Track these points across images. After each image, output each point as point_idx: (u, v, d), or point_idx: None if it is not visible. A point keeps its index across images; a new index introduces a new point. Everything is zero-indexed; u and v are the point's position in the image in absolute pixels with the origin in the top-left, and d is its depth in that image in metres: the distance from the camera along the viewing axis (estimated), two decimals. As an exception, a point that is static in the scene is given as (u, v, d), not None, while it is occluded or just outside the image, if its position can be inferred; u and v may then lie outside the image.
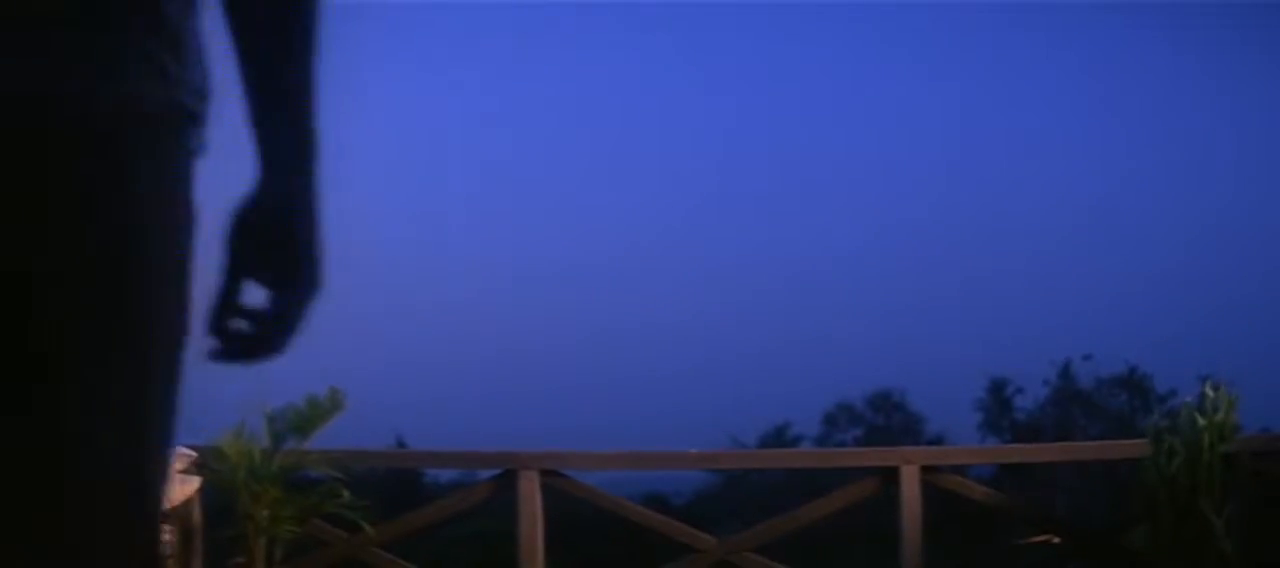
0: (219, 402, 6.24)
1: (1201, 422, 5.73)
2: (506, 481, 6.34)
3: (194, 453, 5.91)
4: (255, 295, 1.23)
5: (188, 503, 5.91)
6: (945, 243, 38.89)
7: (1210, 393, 5.83)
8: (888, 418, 30.35)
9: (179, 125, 1.11)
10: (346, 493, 5.93)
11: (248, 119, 1.22)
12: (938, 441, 28.93)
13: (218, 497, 6.08)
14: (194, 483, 5.88)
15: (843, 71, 40.18)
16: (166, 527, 5.72)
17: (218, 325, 1.22)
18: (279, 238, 1.22)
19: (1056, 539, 6.67)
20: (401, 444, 10.96)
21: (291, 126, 1.23)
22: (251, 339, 1.24)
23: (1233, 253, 34.20)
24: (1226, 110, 33.12)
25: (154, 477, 1.15)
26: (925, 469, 6.32)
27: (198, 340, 1.18)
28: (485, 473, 6.89)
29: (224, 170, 1.18)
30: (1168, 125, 37.87)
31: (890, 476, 6.35)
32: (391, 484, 10.50)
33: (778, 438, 27.25)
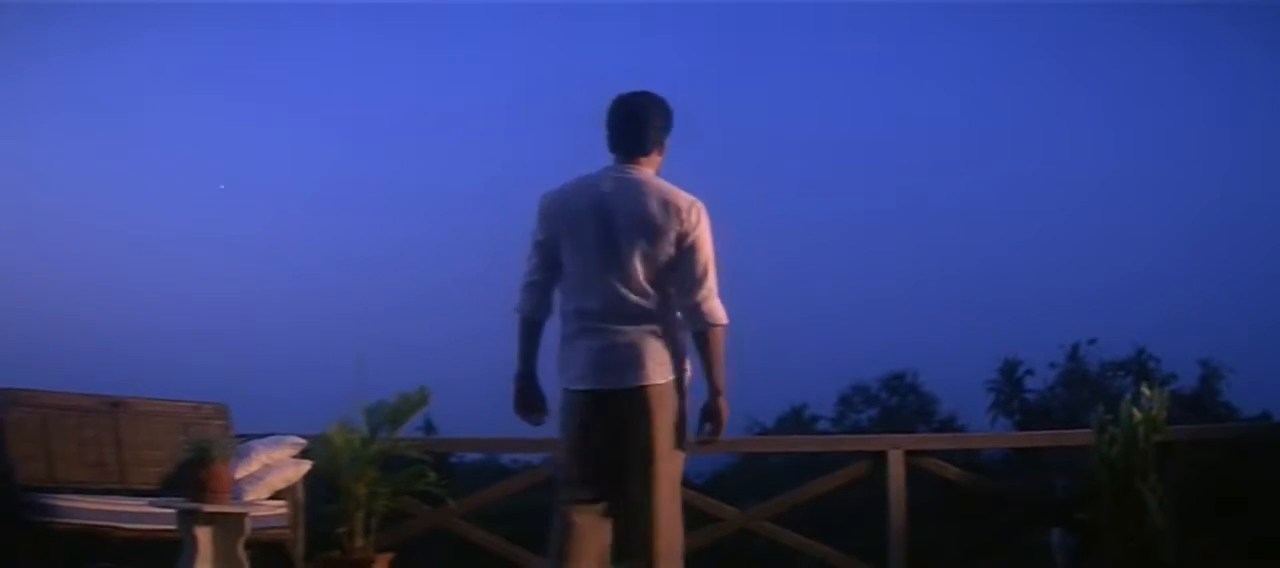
0: (326, 398, 7.38)
1: (1138, 415, 6.61)
2: None
3: (305, 441, 6.89)
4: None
5: (297, 483, 6.84)
6: (959, 225, 39.62)
7: (1146, 392, 6.72)
8: (901, 399, 30.99)
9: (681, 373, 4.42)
10: (433, 474, 6.91)
11: (703, 377, 4.43)
12: (950, 420, 29.62)
13: (324, 477, 6.90)
14: (304, 466, 6.82)
15: (855, 65, 40.86)
16: (283, 502, 6.71)
17: (699, 433, 4.43)
18: (714, 410, 4.42)
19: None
20: (430, 430, 11.74)
21: (716, 382, 4.40)
22: (706, 439, 4.44)
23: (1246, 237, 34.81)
24: (1224, 100, 33.77)
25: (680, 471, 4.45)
26: (909, 453, 7.29)
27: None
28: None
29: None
30: (1169, 115, 38.50)
31: (879, 458, 7.30)
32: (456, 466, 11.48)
33: (795, 418, 27.92)
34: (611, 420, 4.35)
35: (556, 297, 4.52)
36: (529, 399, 4.55)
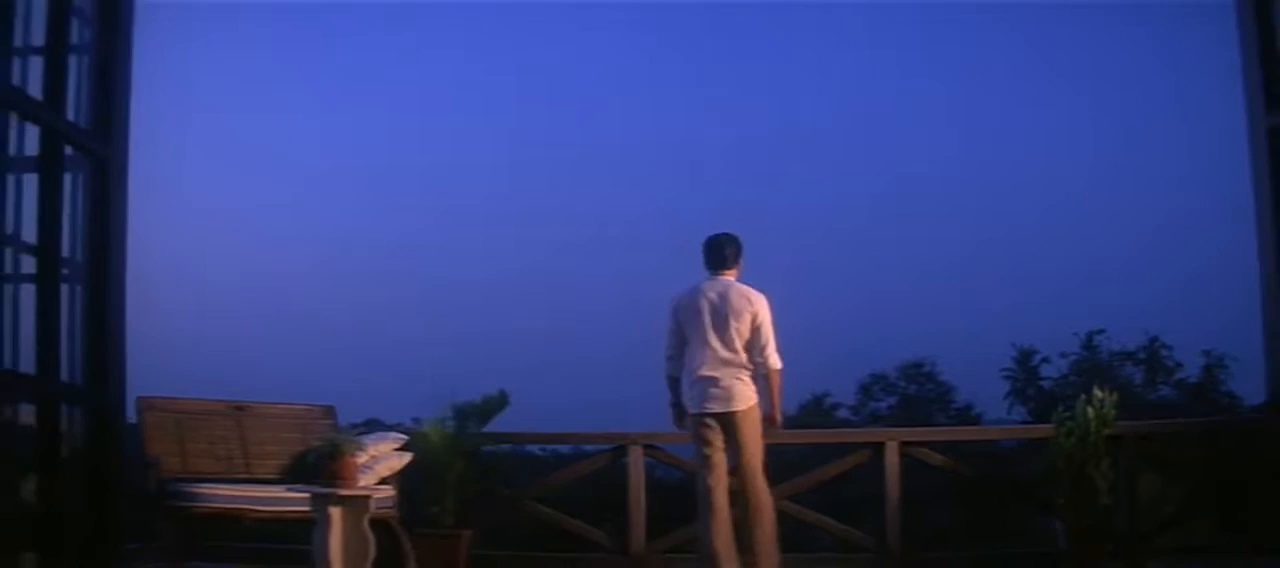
0: (424, 399, 8.56)
1: (1091, 413, 7.68)
2: (620, 451, 8.65)
3: (406, 436, 7.88)
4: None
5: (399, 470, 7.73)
6: (973, 215, 40.29)
7: (1098, 393, 7.80)
8: (919, 387, 31.55)
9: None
10: (510, 462, 8.19)
11: (766, 398, 7.10)
12: (966, 408, 30.23)
13: (423, 464, 7.92)
14: (407, 457, 7.75)
15: (864, 58, 41.51)
16: (390, 486, 7.62)
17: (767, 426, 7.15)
18: (771, 419, 7.12)
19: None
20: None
21: (774, 402, 7.11)
22: (771, 430, 7.13)
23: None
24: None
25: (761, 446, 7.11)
26: (904, 443, 8.45)
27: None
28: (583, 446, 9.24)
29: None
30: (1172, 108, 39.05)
31: (878, 448, 8.47)
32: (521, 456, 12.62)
33: (816, 406, 28.40)
34: (722, 427, 7.09)
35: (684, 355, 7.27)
36: (681, 416, 7.30)
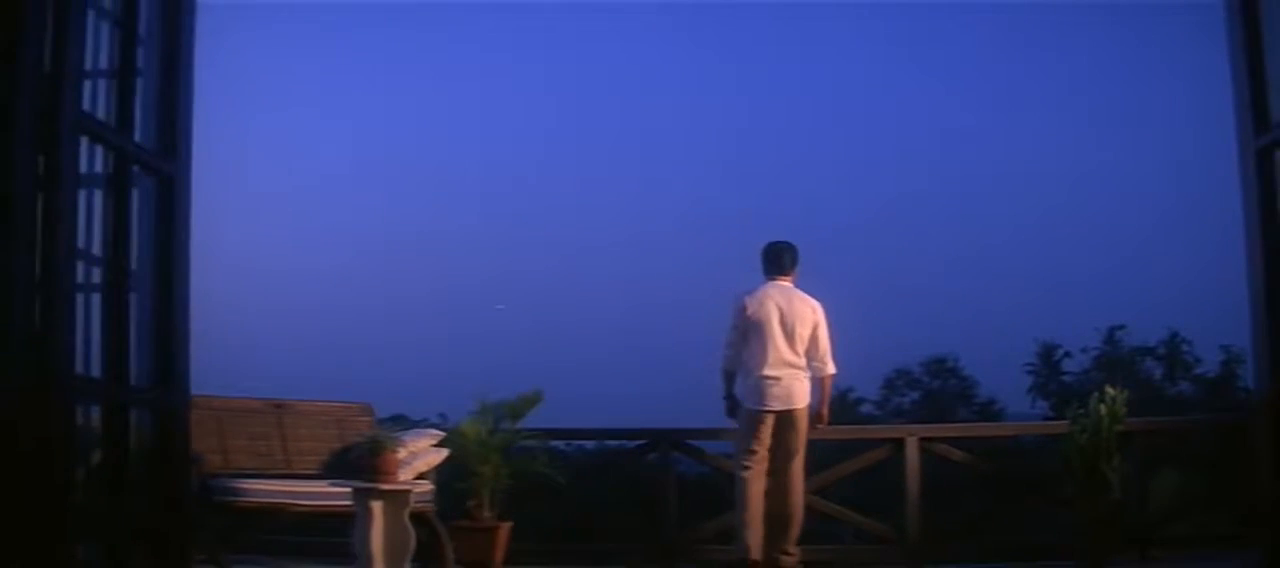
0: (459, 397, 8.91)
1: (1103, 410, 7.96)
2: (652, 446, 9.06)
3: (443, 432, 8.06)
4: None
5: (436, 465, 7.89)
6: (1001, 214, 40.51)
7: (1110, 391, 8.07)
8: (943, 382, 32.00)
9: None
10: (544, 457, 8.42)
11: (816, 397, 7.77)
12: (989, 403, 30.61)
13: (458, 461, 8.12)
14: (443, 453, 7.89)
15: (892, 70, 41.70)
16: (427, 481, 7.76)
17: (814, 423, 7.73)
18: (821, 416, 7.77)
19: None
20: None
21: (824, 400, 7.82)
22: (816, 426, 7.76)
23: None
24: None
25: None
26: (923, 440, 8.77)
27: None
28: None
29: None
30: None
31: (898, 444, 8.80)
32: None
33: (841, 402, 28.98)
34: (776, 424, 7.59)
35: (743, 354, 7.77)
36: (734, 407, 7.79)
